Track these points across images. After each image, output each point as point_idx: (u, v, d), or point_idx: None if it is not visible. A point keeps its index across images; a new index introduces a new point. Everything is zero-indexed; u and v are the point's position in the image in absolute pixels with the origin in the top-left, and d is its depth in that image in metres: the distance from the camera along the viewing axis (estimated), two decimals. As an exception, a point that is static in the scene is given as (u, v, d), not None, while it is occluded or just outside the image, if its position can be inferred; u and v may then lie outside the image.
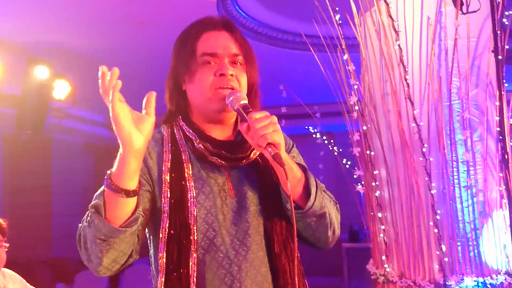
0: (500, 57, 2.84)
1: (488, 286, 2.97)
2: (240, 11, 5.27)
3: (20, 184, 8.51)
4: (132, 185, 1.19)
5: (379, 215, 3.28)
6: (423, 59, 3.14)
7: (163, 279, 1.26)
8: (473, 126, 3.09)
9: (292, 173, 1.28)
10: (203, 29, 1.41)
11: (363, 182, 3.46)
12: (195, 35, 1.41)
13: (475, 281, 2.96)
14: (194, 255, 1.27)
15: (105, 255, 1.21)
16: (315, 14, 3.43)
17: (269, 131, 1.21)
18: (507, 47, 3.08)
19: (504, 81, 2.93)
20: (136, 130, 1.15)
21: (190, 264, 1.26)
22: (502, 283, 2.98)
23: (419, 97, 3.12)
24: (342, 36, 3.41)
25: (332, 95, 3.68)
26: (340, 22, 3.42)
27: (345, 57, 3.39)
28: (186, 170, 1.33)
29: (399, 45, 3.10)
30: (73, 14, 5.00)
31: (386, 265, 3.23)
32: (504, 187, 2.96)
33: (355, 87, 3.39)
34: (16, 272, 2.62)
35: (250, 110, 1.27)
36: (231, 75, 1.36)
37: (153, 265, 1.39)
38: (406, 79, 3.08)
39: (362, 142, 3.39)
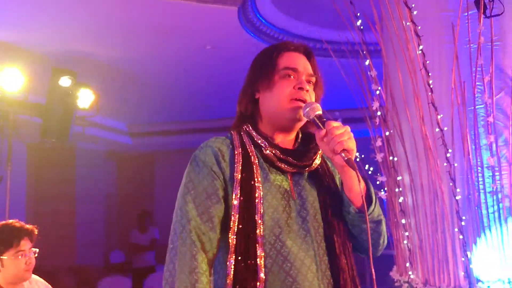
0: (525, 60, 2.80)
1: (515, 293, 2.92)
2: (260, 18, 5.29)
3: (45, 192, 8.62)
4: None
5: (403, 221, 3.25)
6: (445, 64, 3.11)
7: (232, 269, 1.39)
8: (498, 131, 3.04)
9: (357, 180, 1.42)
10: (286, 49, 1.57)
11: (386, 188, 3.43)
12: (278, 52, 1.56)
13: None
14: (261, 249, 1.40)
15: None
16: (336, 20, 3.42)
17: (345, 139, 1.38)
18: (532, 50, 3.04)
19: (529, 84, 2.89)
20: None
21: (257, 256, 1.39)
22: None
23: (443, 102, 3.09)
24: (364, 42, 3.40)
25: (353, 101, 3.66)
26: (362, 27, 3.40)
27: (367, 62, 3.38)
28: (255, 171, 1.47)
29: (421, 50, 3.08)
30: (97, 25, 5.09)
31: (410, 272, 3.19)
32: (531, 192, 2.91)
33: (377, 92, 3.37)
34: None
35: (325, 120, 1.43)
36: (307, 90, 1.52)
37: (219, 260, 1.48)
38: (429, 84, 3.05)
39: (385, 148, 3.37)
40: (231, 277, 1.39)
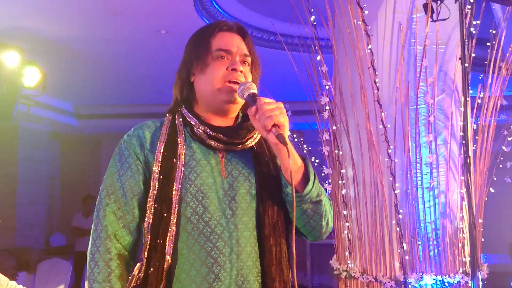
0: (466, 64, 2.94)
1: (446, 284, 3.08)
2: (216, 6, 5.29)
3: (-16, 171, 8.34)
4: None
5: (344, 212, 3.36)
6: (392, 64, 3.23)
7: (147, 248, 1.37)
8: (438, 130, 3.19)
9: (293, 158, 1.37)
10: (219, 29, 1.53)
11: (330, 180, 3.53)
12: (210, 33, 1.52)
13: (433, 279, 3.07)
14: (173, 227, 1.37)
15: None
16: (291, 14, 3.48)
17: (275, 113, 1.32)
18: (473, 55, 3.20)
19: (469, 87, 3.03)
20: None
21: (168, 236, 1.36)
22: (459, 281, 3.10)
23: (387, 100, 3.21)
24: (316, 37, 3.47)
25: (304, 94, 3.74)
26: (315, 23, 3.48)
27: (318, 57, 3.46)
28: (179, 149, 1.43)
29: (370, 49, 3.18)
30: (47, 1, 4.94)
31: (349, 261, 3.31)
32: (465, 189, 3.07)
33: (327, 87, 3.46)
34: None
35: (258, 97, 1.38)
36: (241, 71, 1.47)
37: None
38: (375, 82, 3.17)
39: (331, 141, 3.47)
40: (145, 256, 1.37)
